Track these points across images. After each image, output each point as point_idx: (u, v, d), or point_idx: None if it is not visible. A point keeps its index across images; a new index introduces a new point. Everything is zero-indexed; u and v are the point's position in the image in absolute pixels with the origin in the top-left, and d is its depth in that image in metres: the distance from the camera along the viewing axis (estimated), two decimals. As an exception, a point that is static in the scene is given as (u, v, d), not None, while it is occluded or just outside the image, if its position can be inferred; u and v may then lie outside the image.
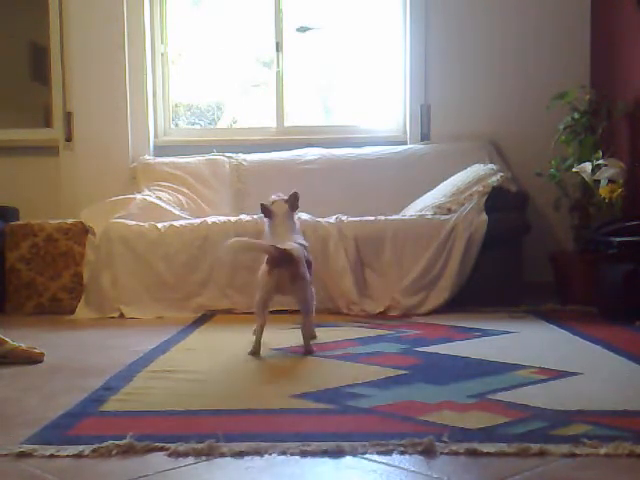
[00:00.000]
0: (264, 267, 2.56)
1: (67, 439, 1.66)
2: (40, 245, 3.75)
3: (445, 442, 1.58)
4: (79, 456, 1.55)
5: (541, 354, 2.55)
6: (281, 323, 3.25)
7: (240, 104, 5.09)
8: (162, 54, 4.73)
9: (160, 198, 4.13)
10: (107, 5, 4.41)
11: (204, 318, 3.48)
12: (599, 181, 3.73)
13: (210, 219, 3.80)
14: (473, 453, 1.53)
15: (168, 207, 4.07)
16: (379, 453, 1.54)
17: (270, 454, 1.54)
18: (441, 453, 1.54)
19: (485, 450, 1.54)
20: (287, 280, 2.53)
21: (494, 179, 3.81)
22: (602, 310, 3.41)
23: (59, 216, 4.07)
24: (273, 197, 2.82)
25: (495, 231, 3.63)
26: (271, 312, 3.67)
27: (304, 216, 3.76)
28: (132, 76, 4.47)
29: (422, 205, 3.91)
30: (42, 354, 2.55)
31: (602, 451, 1.52)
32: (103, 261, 3.67)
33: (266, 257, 2.56)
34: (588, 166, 3.78)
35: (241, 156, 4.49)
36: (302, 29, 4.76)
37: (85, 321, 3.50)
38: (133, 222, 3.76)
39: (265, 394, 2.05)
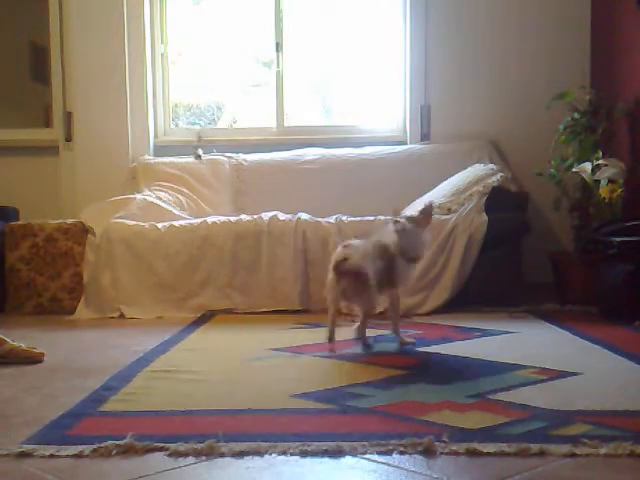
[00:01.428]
0: (331, 274, 2.60)
1: (67, 439, 1.66)
2: (40, 245, 3.75)
3: (445, 442, 1.58)
4: (79, 456, 1.55)
5: (541, 354, 2.54)
6: (281, 323, 3.25)
7: (240, 104, 5.09)
8: (162, 54, 4.73)
9: (160, 198, 4.13)
10: (107, 5, 4.41)
11: (204, 318, 3.47)
12: (599, 181, 3.72)
13: (210, 219, 3.80)
14: (473, 453, 1.53)
15: (168, 207, 4.08)
16: (379, 453, 1.54)
17: (270, 454, 1.54)
18: (441, 453, 1.54)
19: (485, 450, 1.54)
20: (351, 290, 2.59)
21: (494, 179, 3.81)
22: (602, 310, 3.41)
23: (59, 216, 4.07)
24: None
25: (495, 231, 3.62)
26: (270, 312, 3.68)
27: (304, 216, 3.76)
28: (132, 76, 4.48)
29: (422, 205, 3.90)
30: (42, 354, 2.55)
31: (602, 451, 1.52)
32: (103, 261, 3.67)
33: (332, 265, 2.60)
34: (588, 166, 3.78)
35: (241, 156, 4.49)
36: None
37: (85, 321, 3.50)
38: (133, 222, 3.76)
39: (265, 394, 2.05)
